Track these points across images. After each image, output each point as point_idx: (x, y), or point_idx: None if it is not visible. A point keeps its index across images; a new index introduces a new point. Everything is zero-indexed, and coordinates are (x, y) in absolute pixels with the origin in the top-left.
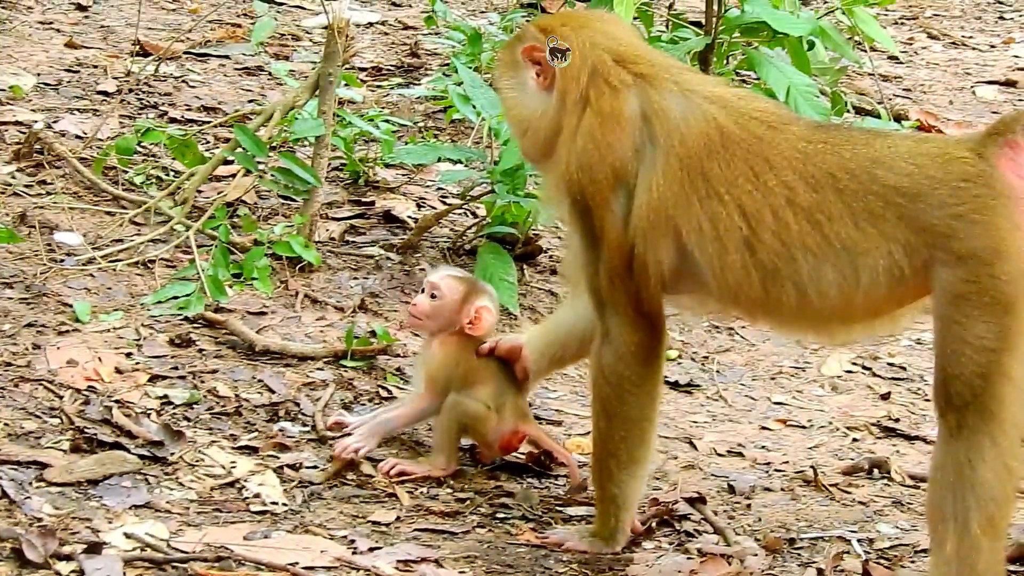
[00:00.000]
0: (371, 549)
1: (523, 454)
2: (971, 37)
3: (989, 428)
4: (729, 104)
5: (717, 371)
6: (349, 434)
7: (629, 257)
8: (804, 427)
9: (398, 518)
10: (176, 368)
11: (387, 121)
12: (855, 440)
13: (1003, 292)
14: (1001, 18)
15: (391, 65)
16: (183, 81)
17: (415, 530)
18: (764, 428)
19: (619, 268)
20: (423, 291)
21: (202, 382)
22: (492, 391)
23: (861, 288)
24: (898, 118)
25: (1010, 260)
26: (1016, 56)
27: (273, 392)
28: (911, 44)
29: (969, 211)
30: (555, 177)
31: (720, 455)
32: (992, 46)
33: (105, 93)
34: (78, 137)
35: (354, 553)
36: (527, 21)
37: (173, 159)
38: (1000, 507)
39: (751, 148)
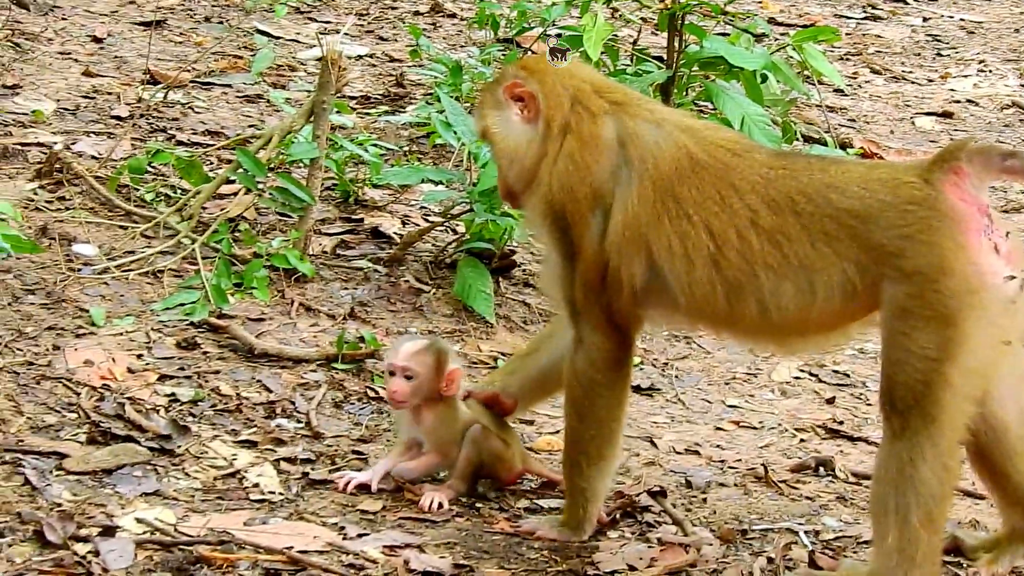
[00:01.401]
0: (359, 535)
1: None
2: (911, 72)
3: (929, 431)
4: (698, 133)
5: (676, 376)
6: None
7: (603, 271)
8: (756, 428)
9: (384, 507)
10: (183, 368)
11: (375, 145)
12: (802, 440)
13: (946, 306)
14: (939, 55)
15: (379, 94)
16: (189, 107)
17: (399, 518)
18: (719, 429)
19: (594, 281)
20: (391, 374)
21: (206, 381)
22: (505, 432)
23: (817, 303)
24: (843, 146)
25: (953, 277)
26: (952, 90)
27: (271, 391)
28: (855, 78)
29: (916, 232)
30: (537, 199)
31: (679, 453)
32: (930, 80)
33: (119, 117)
34: (94, 158)
35: (344, 539)
36: (504, 55)
37: (180, 178)
38: (938, 503)
39: (718, 173)
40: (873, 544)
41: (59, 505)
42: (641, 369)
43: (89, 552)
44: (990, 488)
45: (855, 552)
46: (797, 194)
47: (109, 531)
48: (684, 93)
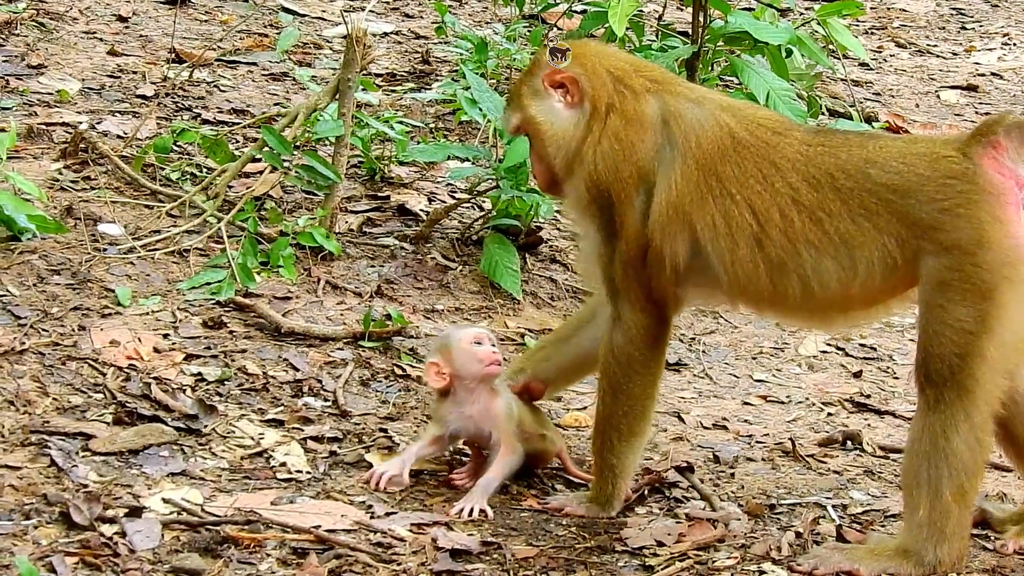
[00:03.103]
0: (387, 514)
1: None
2: (935, 45)
3: (964, 403)
4: (738, 112)
5: (703, 351)
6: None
7: (645, 250)
8: (783, 402)
9: (412, 485)
10: (209, 348)
11: (401, 122)
12: (830, 414)
13: (983, 280)
14: (963, 28)
15: (404, 71)
16: (215, 86)
17: (430, 497)
18: (746, 403)
19: (635, 260)
20: (477, 343)
21: (233, 361)
22: (537, 420)
23: (858, 278)
24: (868, 120)
25: (991, 250)
26: (977, 63)
27: (297, 370)
28: (880, 52)
29: (954, 205)
30: (580, 180)
31: (706, 428)
32: (955, 54)
33: (144, 97)
34: (119, 137)
35: (372, 517)
36: (529, 31)
37: (206, 157)
38: (970, 477)
39: (759, 152)
40: (903, 517)
41: (85, 486)
42: (668, 344)
43: (116, 533)
44: (1015, 461)
45: (883, 526)
46: (836, 170)
47: (136, 512)
48: (709, 68)
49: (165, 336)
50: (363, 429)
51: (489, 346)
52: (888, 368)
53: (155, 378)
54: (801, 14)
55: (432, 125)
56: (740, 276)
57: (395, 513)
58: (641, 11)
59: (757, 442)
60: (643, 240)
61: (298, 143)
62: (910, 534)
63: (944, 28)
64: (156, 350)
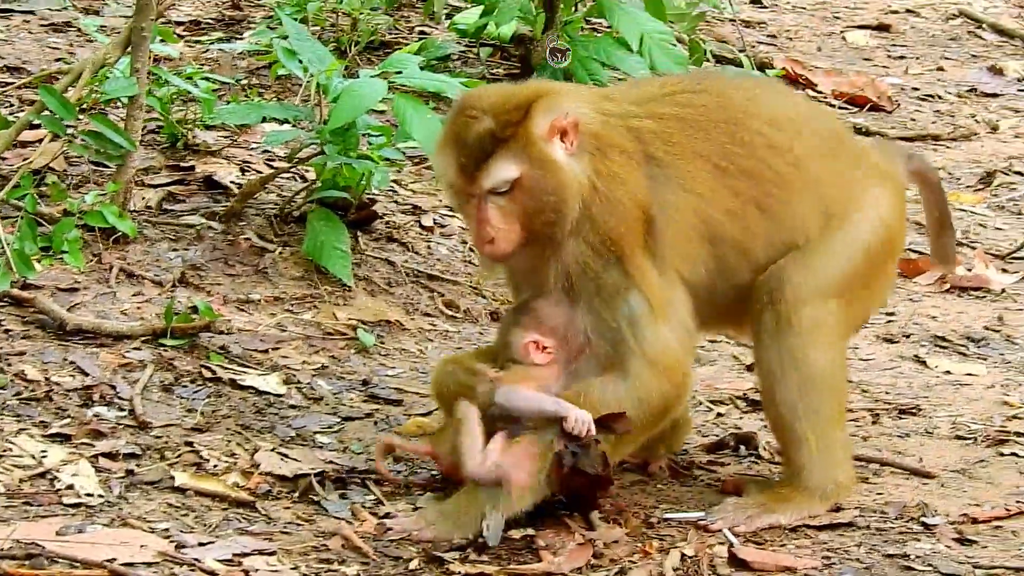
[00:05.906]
0: (199, 544)
1: None
2: None
3: (822, 328)
4: (656, 95)
5: None
6: None
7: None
8: None
9: (227, 509)
10: None
11: (207, 79)
12: (720, 415)
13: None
14: None
15: (210, 18)
16: None
17: (247, 522)
18: None
19: (657, 296)
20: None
21: (8, 365)
22: None
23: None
24: (762, 67)
25: (883, 232)
26: None
27: (86, 375)
28: None
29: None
30: (585, 234)
31: None
32: None
33: None
34: None
35: (177, 548)
36: None
37: None
38: (839, 396)
39: (711, 117)
40: (788, 457)
41: None
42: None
43: None
44: None
45: (783, 544)
46: (778, 116)
47: None
48: (573, 9)
49: None
50: (166, 443)
51: None
52: None
53: None
54: None
55: (244, 81)
56: (750, 260)
57: (206, 544)
58: None
59: None
60: (661, 269)
61: (84, 105)
62: (804, 470)
63: None
64: None
